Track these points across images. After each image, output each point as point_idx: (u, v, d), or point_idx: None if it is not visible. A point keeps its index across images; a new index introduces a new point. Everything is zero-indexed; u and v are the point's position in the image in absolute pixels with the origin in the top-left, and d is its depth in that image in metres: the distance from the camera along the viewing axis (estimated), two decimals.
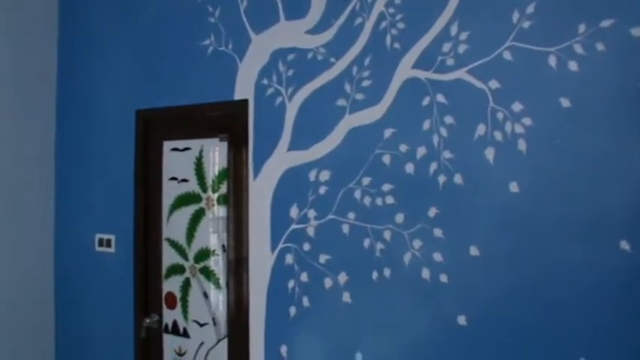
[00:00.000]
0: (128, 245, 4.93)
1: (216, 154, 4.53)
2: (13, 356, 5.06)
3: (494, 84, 3.43)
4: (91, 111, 5.20)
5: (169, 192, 4.75)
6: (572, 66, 3.24)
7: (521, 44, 3.37)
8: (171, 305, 4.76)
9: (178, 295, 4.72)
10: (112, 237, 5.03)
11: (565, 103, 3.25)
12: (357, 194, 3.83)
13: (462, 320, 3.51)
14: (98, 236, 5.11)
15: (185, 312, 4.68)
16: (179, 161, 4.70)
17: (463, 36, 3.53)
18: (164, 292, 4.81)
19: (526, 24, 3.36)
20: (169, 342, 4.79)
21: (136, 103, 4.90)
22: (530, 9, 3.35)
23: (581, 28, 3.22)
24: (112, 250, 5.03)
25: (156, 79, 4.81)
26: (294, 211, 4.06)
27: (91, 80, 5.22)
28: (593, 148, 3.18)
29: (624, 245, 3.09)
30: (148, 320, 4.80)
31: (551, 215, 3.27)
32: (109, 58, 5.11)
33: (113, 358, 5.03)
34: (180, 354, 4.70)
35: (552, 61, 3.29)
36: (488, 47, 3.46)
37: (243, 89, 4.31)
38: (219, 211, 4.50)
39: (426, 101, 3.62)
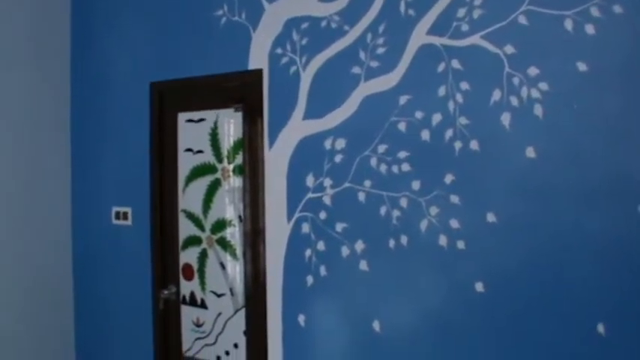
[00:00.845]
0: (145, 217, 4.94)
1: (231, 124, 4.52)
2: (33, 329, 5.10)
3: (509, 49, 3.40)
4: (106, 83, 5.19)
5: (185, 163, 4.76)
6: (589, 29, 3.20)
7: (537, 8, 3.33)
8: (189, 276, 4.77)
9: (195, 266, 4.74)
10: (129, 209, 5.04)
11: (582, 67, 3.21)
12: (373, 162, 3.82)
13: (479, 287, 3.51)
14: (115, 209, 5.13)
15: (202, 283, 4.70)
16: (194, 132, 4.70)
17: (478, 1, 3.50)
18: (181, 264, 4.83)
19: None
20: (187, 313, 4.81)
21: (150, 75, 4.89)
22: None
23: None
24: (128, 222, 5.05)
25: (170, 51, 4.79)
26: (310, 180, 4.06)
27: (106, 53, 5.21)
28: (610, 112, 3.16)
29: None
30: (165, 292, 4.83)
31: (568, 180, 3.26)
32: (123, 30, 5.10)
33: (132, 330, 5.07)
34: (199, 325, 4.73)
35: (568, 24, 3.25)
36: (503, 12, 3.43)
37: (257, 59, 4.29)
38: (235, 182, 4.50)
39: (441, 67, 3.60)
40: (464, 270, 3.56)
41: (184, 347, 4.84)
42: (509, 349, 3.44)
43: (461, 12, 3.55)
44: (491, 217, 3.46)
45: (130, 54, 5.05)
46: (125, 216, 5.06)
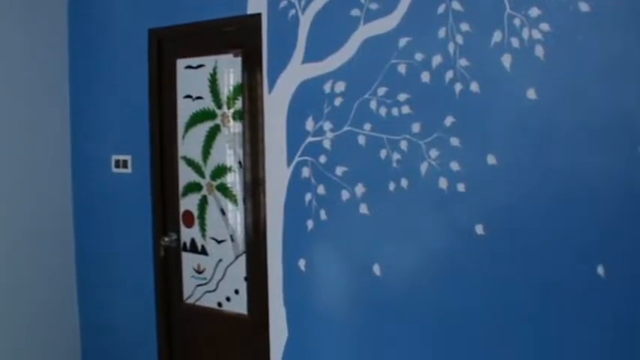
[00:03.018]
0: (144, 165, 4.94)
1: (230, 70, 4.50)
2: (36, 277, 5.13)
3: None
4: (104, 31, 5.15)
5: (184, 110, 4.74)
6: None
7: None
8: (189, 223, 4.78)
9: (196, 213, 4.75)
10: (128, 158, 5.03)
11: (584, 7, 3.18)
12: (373, 105, 3.80)
13: (479, 229, 3.51)
14: (114, 157, 5.11)
15: (203, 230, 4.72)
16: (193, 79, 4.67)
17: None
18: (181, 211, 4.83)
19: None
20: (188, 260, 4.83)
21: (148, 21, 4.85)
22: None
23: None
24: (128, 170, 5.04)
25: None
26: (309, 124, 4.04)
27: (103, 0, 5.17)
28: (611, 53, 3.13)
29: None
30: (166, 239, 4.85)
31: (569, 122, 3.25)
32: None
33: (133, 277, 5.09)
34: (200, 271, 4.75)
35: None
36: None
37: (256, 3, 4.26)
38: (235, 127, 4.49)
39: (441, 9, 3.56)
40: (464, 212, 3.56)
41: (185, 294, 4.87)
42: (508, 292, 3.46)
43: None
44: (491, 160, 3.45)
45: (128, 0, 5.00)
46: (125, 164, 5.05)
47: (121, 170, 5.08)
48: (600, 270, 3.18)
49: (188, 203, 4.79)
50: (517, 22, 3.35)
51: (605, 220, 3.18)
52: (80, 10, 5.32)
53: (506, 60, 3.39)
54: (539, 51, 3.30)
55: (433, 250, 3.69)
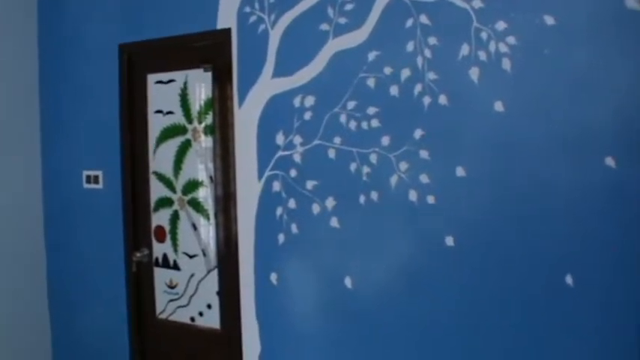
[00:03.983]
0: (116, 181, 4.92)
1: (200, 84, 4.50)
2: (7, 292, 5.08)
3: (477, 3, 3.40)
4: (75, 46, 5.13)
5: (155, 125, 4.74)
6: None
7: None
8: (161, 238, 4.77)
9: (167, 228, 4.74)
10: (100, 173, 5.01)
11: (549, 20, 3.23)
12: (343, 118, 3.82)
13: (449, 241, 3.54)
14: (85, 173, 5.09)
15: (175, 244, 4.71)
16: (164, 94, 4.68)
17: None
18: (153, 226, 4.83)
19: None
20: (160, 275, 4.82)
21: (118, 36, 4.84)
22: None
23: None
24: (99, 186, 5.02)
25: (138, 12, 4.75)
26: (280, 138, 4.05)
27: (74, 15, 5.14)
28: (577, 65, 3.18)
29: (609, 162, 3.11)
30: (138, 254, 4.83)
31: (536, 133, 3.28)
32: None
33: (105, 292, 5.06)
34: (172, 286, 4.74)
35: None
36: None
37: (226, 18, 4.27)
38: (206, 142, 4.49)
39: (409, 23, 3.59)
40: (434, 224, 3.58)
41: (158, 309, 4.85)
42: (479, 302, 3.48)
43: None
44: (460, 172, 3.48)
45: (98, 16, 4.99)
46: (96, 179, 5.03)
47: (92, 186, 5.06)
48: (569, 279, 3.22)
49: (160, 218, 4.78)
50: (484, 35, 3.39)
51: (574, 230, 3.21)
52: (50, 25, 5.30)
53: (474, 73, 3.42)
54: (506, 64, 3.34)
55: (404, 261, 3.71)
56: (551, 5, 3.22)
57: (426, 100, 3.55)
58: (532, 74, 3.28)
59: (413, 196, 3.62)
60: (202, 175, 4.55)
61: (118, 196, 4.91)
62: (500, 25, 3.34)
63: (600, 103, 3.13)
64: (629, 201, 3.06)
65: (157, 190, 4.78)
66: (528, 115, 3.30)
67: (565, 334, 3.26)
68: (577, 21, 3.17)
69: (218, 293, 4.51)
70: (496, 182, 3.40)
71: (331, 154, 3.87)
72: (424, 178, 3.58)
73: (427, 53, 3.54)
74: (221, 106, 4.34)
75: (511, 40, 3.32)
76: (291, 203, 4.03)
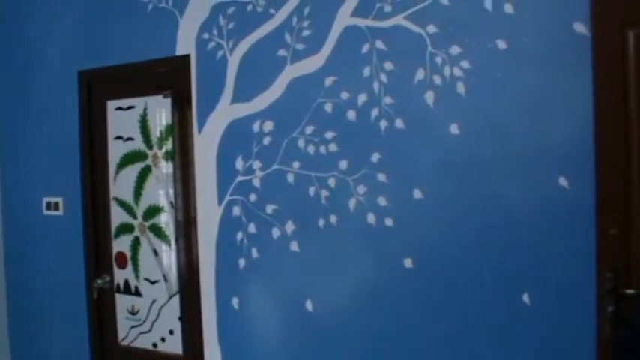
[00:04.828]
0: (76, 207, 4.89)
1: (160, 110, 4.51)
2: None
3: (432, 28, 3.47)
4: (33, 72, 5.11)
5: (115, 151, 4.73)
6: (508, 8, 3.29)
7: None
8: (122, 265, 4.76)
9: (129, 254, 4.73)
10: (60, 200, 4.98)
11: (502, 45, 3.30)
12: (301, 143, 3.86)
13: (408, 263, 3.58)
14: (46, 200, 5.06)
15: (136, 270, 4.70)
16: (124, 120, 4.67)
17: None
18: (114, 252, 4.80)
19: None
20: (122, 301, 4.80)
21: (77, 62, 4.83)
22: None
23: None
24: (60, 213, 4.99)
25: (97, 38, 4.74)
26: (239, 163, 4.08)
27: (31, 41, 5.11)
28: (530, 88, 3.25)
29: (562, 181, 3.18)
30: (99, 281, 4.80)
31: (491, 155, 3.35)
32: (48, 18, 5.01)
33: (67, 320, 5.02)
34: (134, 312, 4.72)
35: (488, 4, 3.34)
36: None
37: (185, 45, 4.29)
38: (166, 168, 4.50)
39: (365, 48, 3.65)
40: (393, 247, 3.63)
41: (120, 336, 4.83)
42: (438, 323, 3.52)
43: None
44: (417, 194, 3.53)
45: (56, 42, 4.97)
46: (56, 206, 5.00)
47: (53, 212, 5.03)
48: (525, 298, 3.28)
49: (121, 244, 4.77)
50: (439, 60, 3.45)
51: (530, 250, 3.28)
52: (8, 50, 5.27)
53: (430, 97, 3.48)
54: (460, 88, 3.40)
55: (363, 284, 3.74)
56: (503, 30, 3.30)
57: (383, 124, 3.60)
58: (486, 97, 3.35)
59: (371, 218, 3.66)
60: (163, 201, 4.55)
61: (78, 222, 4.88)
62: (455, 50, 3.41)
63: (552, 125, 3.20)
64: (582, 220, 3.12)
65: (117, 216, 4.77)
66: (483, 137, 3.36)
67: (523, 353, 3.31)
68: (528, 45, 3.25)
69: (180, 318, 4.50)
70: (453, 204, 3.46)
71: (290, 178, 3.90)
72: (382, 201, 3.63)
73: (383, 78, 3.60)
74: (181, 132, 4.36)
75: (465, 64, 3.39)
76: (251, 228, 4.05)
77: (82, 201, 4.86)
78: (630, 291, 3.00)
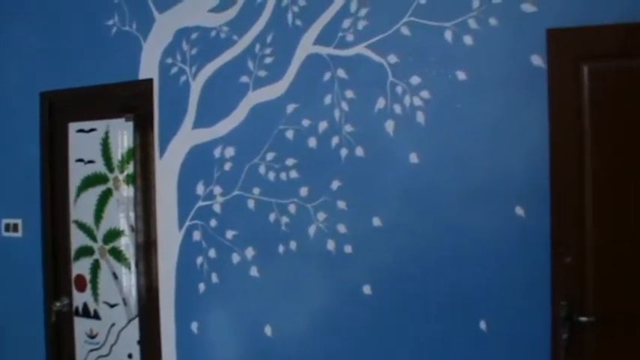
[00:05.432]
0: (36, 229, 4.85)
1: (122, 134, 4.51)
2: None
3: (392, 58, 3.52)
4: None
5: (76, 174, 4.71)
6: (468, 40, 3.36)
7: (419, 19, 3.47)
8: (81, 288, 4.73)
9: (88, 277, 4.69)
10: (19, 221, 4.94)
11: (461, 75, 3.37)
12: (262, 169, 3.88)
13: (367, 289, 3.61)
14: (4, 221, 5.01)
15: (95, 294, 4.67)
16: (85, 142, 4.66)
17: (363, 12, 3.61)
18: (74, 275, 4.77)
19: (423, 0, 3.45)
20: (81, 325, 4.76)
21: (40, 84, 4.80)
22: None
23: (475, 3, 3.35)
24: (19, 234, 4.94)
25: (60, 60, 4.73)
26: (200, 188, 4.09)
27: None
28: (488, 118, 3.32)
29: (519, 211, 3.24)
30: (58, 304, 4.76)
31: (449, 184, 3.40)
32: (11, 38, 4.99)
33: (24, 343, 4.96)
34: (92, 336, 4.69)
35: (448, 35, 3.40)
36: (386, 23, 3.55)
37: (148, 69, 4.30)
38: (127, 192, 4.48)
39: (327, 76, 3.69)
40: (352, 273, 3.65)
41: (78, 359, 4.78)
42: (396, 349, 3.55)
43: (346, 23, 3.65)
44: (377, 222, 3.57)
45: (19, 63, 4.95)
46: (15, 228, 4.96)
47: (11, 234, 4.98)
48: (483, 325, 3.33)
49: (80, 267, 4.73)
50: (399, 89, 3.50)
51: (487, 277, 3.33)
52: None
53: (390, 126, 3.53)
54: (420, 117, 3.46)
55: (323, 310, 3.76)
56: (462, 61, 3.36)
57: (343, 151, 3.64)
58: (445, 127, 3.41)
59: (331, 245, 3.69)
60: (123, 224, 4.53)
61: (37, 244, 4.84)
62: (415, 80, 3.47)
63: (510, 155, 3.27)
64: (538, 248, 3.18)
65: (77, 239, 4.74)
66: (442, 166, 3.42)
67: None
68: (487, 76, 3.32)
69: (139, 342, 4.47)
70: (411, 231, 3.50)
71: (251, 204, 3.92)
72: (342, 228, 3.66)
73: (344, 106, 3.64)
74: (142, 156, 4.35)
75: (425, 94, 3.45)
76: (212, 253, 4.06)
77: (42, 223, 4.82)
78: (584, 319, 3.05)
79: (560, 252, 3.10)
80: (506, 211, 3.27)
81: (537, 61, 3.20)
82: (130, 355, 4.53)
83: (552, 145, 3.10)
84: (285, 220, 3.82)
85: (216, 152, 4.02)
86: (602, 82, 3.07)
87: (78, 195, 4.71)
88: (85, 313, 4.72)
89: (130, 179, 4.44)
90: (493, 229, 3.31)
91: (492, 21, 3.31)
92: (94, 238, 4.65)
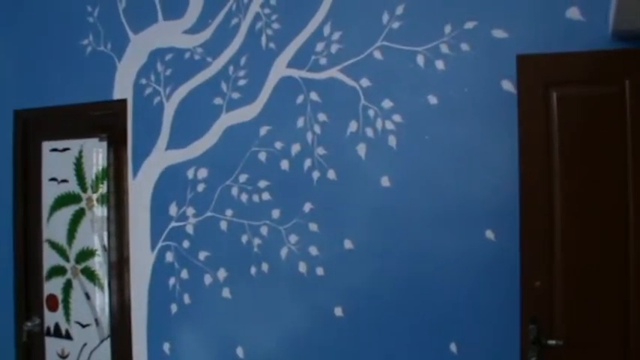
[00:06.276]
0: (7, 248, 4.82)
1: (96, 153, 4.50)
2: None
3: (365, 82, 3.55)
4: None
5: (49, 193, 4.70)
6: (439, 65, 3.39)
7: (391, 44, 3.50)
8: (53, 307, 4.70)
9: (60, 296, 4.67)
10: None
11: (432, 100, 3.40)
12: (235, 191, 3.90)
13: (338, 311, 3.63)
14: None
15: (67, 314, 4.64)
16: (59, 161, 4.65)
17: (336, 36, 3.64)
18: (45, 295, 4.74)
19: (395, 24, 3.50)
20: (52, 345, 4.73)
21: (14, 102, 4.80)
22: (399, 10, 3.49)
23: (447, 29, 3.38)
24: None
25: (35, 79, 4.73)
26: (173, 209, 4.10)
27: None
28: (459, 142, 3.35)
29: (489, 234, 3.27)
30: (29, 324, 4.73)
31: (420, 207, 3.43)
32: None
33: None
34: (64, 356, 4.66)
35: (420, 60, 3.43)
36: (359, 47, 3.58)
37: (122, 89, 4.31)
38: (100, 211, 4.47)
39: (300, 99, 3.72)
40: (323, 295, 3.67)
41: None
42: None
43: (319, 46, 3.68)
44: (348, 244, 3.59)
45: None
46: None
47: None
48: (453, 347, 3.35)
49: (52, 287, 4.71)
50: (371, 113, 3.53)
51: (457, 300, 3.35)
52: None
53: (362, 149, 3.55)
54: (392, 141, 3.49)
55: (294, 331, 3.77)
56: (434, 85, 3.40)
57: (316, 174, 3.67)
58: (416, 151, 3.44)
59: (302, 267, 3.71)
60: (96, 245, 4.51)
61: (9, 263, 4.81)
62: (387, 104, 3.49)
63: (480, 179, 3.31)
64: (508, 272, 3.20)
65: (49, 258, 4.72)
66: (413, 190, 3.45)
67: None
68: (458, 101, 3.36)
69: None
70: (383, 254, 3.52)
71: (223, 225, 3.93)
72: (313, 250, 3.68)
73: (317, 129, 3.66)
74: (116, 176, 4.35)
75: (397, 117, 3.48)
76: (184, 274, 4.07)
77: (14, 242, 4.80)
78: (552, 342, 3.07)
79: (529, 276, 3.12)
80: (476, 235, 3.30)
81: (508, 86, 3.24)
82: None
83: (522, 169, 3.12)
84: (257, 241, 3.83)
85: (190, 173, 4.04)
86: (571, 108, 3.10)
87: (51, 214, 4.69)
88: (57, 333, 4.69)
89: (104, 199, 4.43)
90: (464, 252, 3.33)
91: (464, 46, 3.34)
92: (66, 258, 4.63)
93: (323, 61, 3.67)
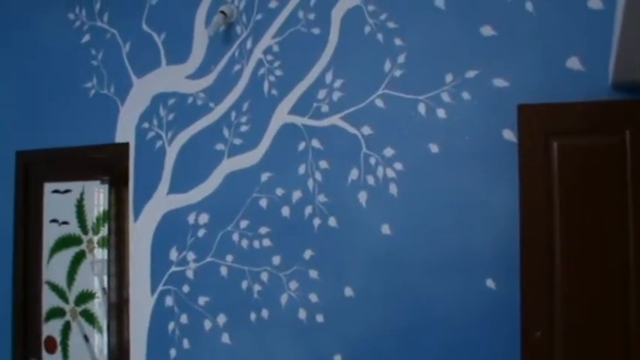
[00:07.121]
0: (7, 289, 4.80)
1: (98, 196, 4.51)
2: None
3: (366, 130, 3.57)
4: None
5: (50, 234, 4.69)
6: (441, 113, 3.42)
7: (393, 92, 3.53)
8: (51, 349, 4.68)
9: (58, 338, 4.65)
10: None
11: (434, 148, 3.42)
12: (235, 237, 3.90)
13: (337, 359, 3.60)
14: None
15: (65, 356, 4.62)
16: (60, 203, 4.65)
17: (338, 83, 3.67)
18: (44, 337, 4.72)
19: (397, 73, 3.53)
20: None
21: (16, 143, 4.81)
22: (401, 59, 3.52)
23: (449, 77, 3.41)
24: None
25: (37, 120, 4.75)
26: (173, 254, 4.09)
27: None
28: (460, 191, 3.36)
29: (490, 283, 3.27)
30: None
31: (421, 256, 3.43)
32: None
33: None
34: None
35: (422, 108, 3.46)
36: (361, 94, 3.61)
37: (125, 132, 4.33)
38: (100, 254, 4.47)
39: (301, 146, 3.74)
40: (323, 343, 3.66)
41: None
42: None
43: (321, 93, 3.71)
44: (348, 292, 3.59)
45: None
46: None
47: None
48: None
49: (51, 328, 4.69)
50: (372, 161, 3.54)
51: (457, 349, 3.34)
52: None
53: (362, 197, 3.57)
54: (392, 189, 3.50)
55: None
56: (435, 134, 3.42)
57: (316, 221, 3.67)
58: (417, 199, 3.45)
59: (302, 314, 3.70)
60: (96, 287, 4.50)
61: (8, 304, 4.80)
62: (388, 152, 3.51)
63: (481, 228, 3.31)
64: (508, 321, 3.20)
65: (49, 300, 4.70)
66: (414, 238, 3.45)
67: None
68: (459, 149, 3.37)
69: None
70: (383, 302, 3.51)
71: (223, 271, 3.93)
72: (313, 297, 3.67)
73: (318, 176, 3.68)
74: (117, 219, 4.36)
75: (398, 165, 3.49)
76: (184, 318, 4.05)
77: (13, 283, 4.78)
78: None
79: (529, 326, 3.11)
80: (477, 283, 3.30)
81: (508, 135, 3.26)
82: None
83: (522, 218, 3.13)
84: (257, 287, 3.82)
85: (191, 218, 4.04)
86: (571, 158, 3.11)
87: (51, 256, 4.68)
88: None
89: (104, 242, 4.43)
90: (464, 300, 3.33)
91: (465, 95, 3.37)
92: (65, 300, 4.62)
93: (325, 108, 3.70)
